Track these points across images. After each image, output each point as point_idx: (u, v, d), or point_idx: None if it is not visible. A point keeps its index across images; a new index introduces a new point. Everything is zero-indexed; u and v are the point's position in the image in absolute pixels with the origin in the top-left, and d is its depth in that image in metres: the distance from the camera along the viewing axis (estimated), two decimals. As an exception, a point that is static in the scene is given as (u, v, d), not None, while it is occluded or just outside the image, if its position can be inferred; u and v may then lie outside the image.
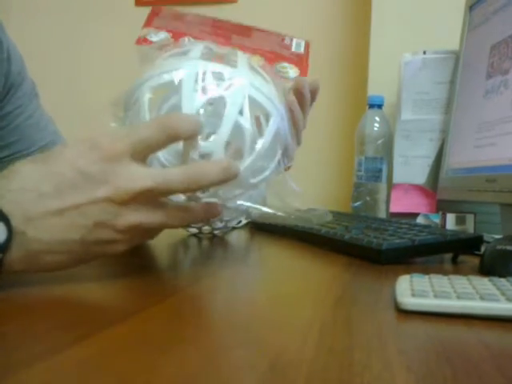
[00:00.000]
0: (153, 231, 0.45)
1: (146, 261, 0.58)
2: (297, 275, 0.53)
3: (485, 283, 0.40)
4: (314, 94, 0.65)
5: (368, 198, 1.04)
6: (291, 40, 0.64)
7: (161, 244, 0.73)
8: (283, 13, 1.32)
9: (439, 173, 0.92)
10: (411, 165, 1.01)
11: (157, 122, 0.43)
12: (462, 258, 0.62)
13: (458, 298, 0.37)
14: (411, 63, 1.02)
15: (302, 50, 0.63)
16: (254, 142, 0.48)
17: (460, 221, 0.84)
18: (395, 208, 1.01)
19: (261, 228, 0.90)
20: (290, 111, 0.56)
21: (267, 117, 0.49)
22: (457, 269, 0.59)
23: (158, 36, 0.57)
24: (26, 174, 0.40)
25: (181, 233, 0.80)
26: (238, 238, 0.82)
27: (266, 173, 0.50)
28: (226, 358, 0.27)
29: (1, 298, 0.37)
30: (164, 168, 0.45)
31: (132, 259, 0.57)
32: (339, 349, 0.29)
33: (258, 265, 0.62)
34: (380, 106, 1.05)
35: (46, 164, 0.41)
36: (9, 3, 1.43)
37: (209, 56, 0.50)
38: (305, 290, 0.47)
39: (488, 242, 0.58)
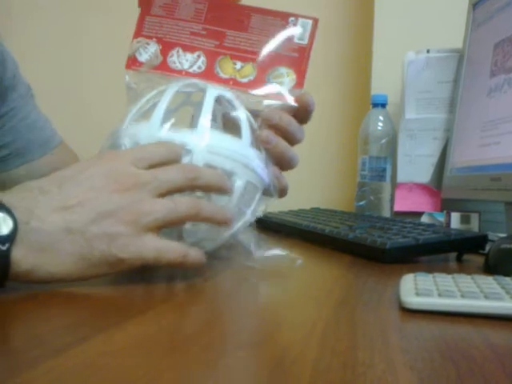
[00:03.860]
0: (160, 223, 0.42)
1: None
2: (300, 274, 0.53)
3: (489, 282, 0.40)
4: (305, 109, 0.56)
5: (372, 198, 1.04)
6: (296, 22, 0.59)
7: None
8: (286, 12, 1.32)
9: (443, 172, 0.92)
10: (415, 164, 1.00)
11: (164, 143, 0.47)
12: (466, 257, 0.62)
13: (463, 296, 0.37)
14: (415, 62, 1.02)
15: (305, 39, 0.58)
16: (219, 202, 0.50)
17: (465, 220, 0.84)
18: (399, 207, 1.01)
19: (266, 227, 0.90)
20: (267, 145, 0.53)
21: (230, 176, 0.49)
22: (461, 268, 0.58)
23: (147, 52, 0.57)
24: (29, 182, 0.42)
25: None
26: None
27: (239, 223, 0.52)
28: (230, 359, 0.27)
29: (1, 300, 0.37)
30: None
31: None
32: (343, 348, 0.29)
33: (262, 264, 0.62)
34: (384, 105, 1.05)
35: (48, 175, 0.43)
36: (9, 3, 1.43)
37: (190, 97, 0.55)
38: (308, 289, 0.47)
39: (493, 241, 0.58)
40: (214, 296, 0.44)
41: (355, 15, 1.29)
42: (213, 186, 0.46)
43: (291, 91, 0.56)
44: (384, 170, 1.03)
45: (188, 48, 0.57)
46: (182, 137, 0.48)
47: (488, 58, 0.81)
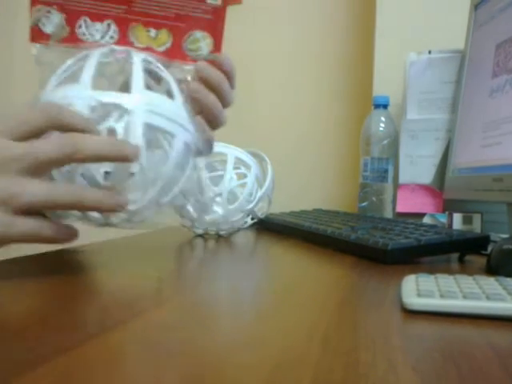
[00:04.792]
0: (32, 206, 0.39)
1: (150, 261, 0.58)
2: (302, 275, 0.53)
3: (491, 283, 0.40)
4: (222, 70, 0.56)
5: (374, 199, 1.04)
6: None
7: (166, 244, 0.73)
8: (288, 13, 1.32)
9: (445, 172, 0.92)
10: (417, 165, 1.01)
11: (46, 106, 0.43)
12: (468, 257, 0.62)
13: (465, 297, 0.37)
14: (416, 63, 1.02)
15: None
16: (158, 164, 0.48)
17: (467, 220, 0.84)
18: (401, 208, 1.01)
19: (267, 228, 0.91)
20: (195, 99, 0.52)
21: (170, 137, 0.48)
22: (463, 268, 0.58)
23: (51, 22, 0.52)
24: None
25: (187, 234, 0.81)
26: (243, 239, 0.82)
27: (177, 189, 0.50)
28: (232, 359, 0.27)
29: None
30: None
31: (136, 259, 0.57)
32: (344, 349, 0.29)
33: (263, 265, 0.62)
34: (385, 106, 1.05)
35: None
36: (15, 7, 1.44)
37: (105, 68, 0.50)
38: (310, 290, 0.47)
39: (495, 242, 0.58)
40: (213, 296, 0.44)
41: (357, 16, 1.29)
42: (104, 156, 0.41)
43: (209, 55, 0.55)
44: (386, 171, 1.03)
45: (95, 16, 0.53)
46: (120, 96, 0.45)
47: (490, 58, 0.81)
